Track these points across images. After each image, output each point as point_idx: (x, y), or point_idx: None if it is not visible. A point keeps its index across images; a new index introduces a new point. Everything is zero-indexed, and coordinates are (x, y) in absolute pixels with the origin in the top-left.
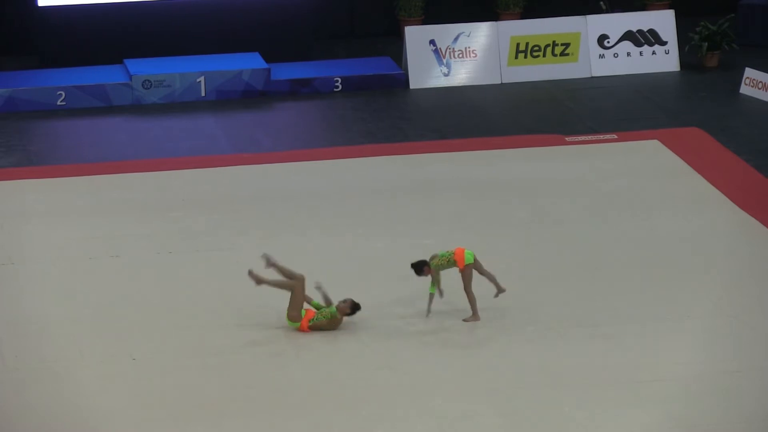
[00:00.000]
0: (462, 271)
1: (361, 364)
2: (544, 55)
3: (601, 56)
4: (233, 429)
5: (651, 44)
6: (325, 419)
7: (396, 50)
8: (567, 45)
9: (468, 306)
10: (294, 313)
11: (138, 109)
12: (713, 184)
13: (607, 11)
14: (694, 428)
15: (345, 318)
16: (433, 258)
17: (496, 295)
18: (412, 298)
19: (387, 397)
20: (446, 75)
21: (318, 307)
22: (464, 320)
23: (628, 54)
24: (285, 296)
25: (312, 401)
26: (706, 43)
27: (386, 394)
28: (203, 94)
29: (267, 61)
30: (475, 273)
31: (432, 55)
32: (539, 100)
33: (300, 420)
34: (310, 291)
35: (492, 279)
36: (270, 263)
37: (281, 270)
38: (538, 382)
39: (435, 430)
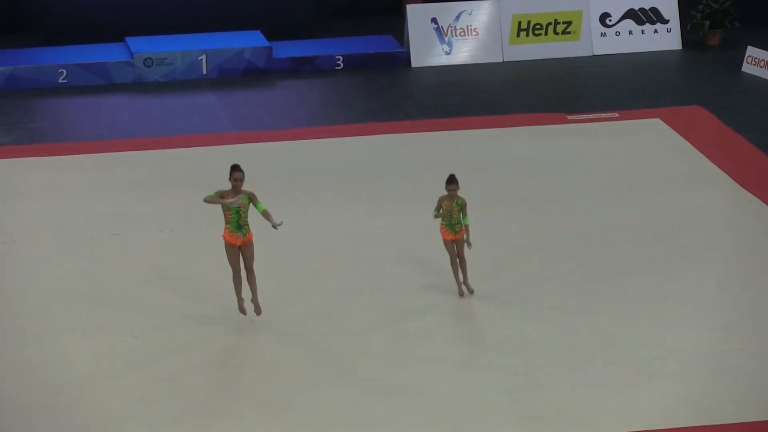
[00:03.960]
0: (460, 239)
1: (361, 342)
2: (545, 34)
3: (603, 34)
4: (238, 405)
5: (653, 22)
6: (325, 392)
7: (398, 28)
8: (569, 23)
9: (453, 281)
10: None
11: (139, 87)
12: (715, 163)
13: None
14: (698, 405)
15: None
16: (457, 198)
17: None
18: (414, 275)
19: (389, 375)
20: (448, 53)
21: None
22: (462, 295)
23: (630, 32)
24: (286, 275)
25: (312, 372)
26: (708, 21)
27: (388, 371)
28: (204, 72)
29: (268, 39)
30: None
31: (434, 34)
32: (541, 78)
33: (301, 391)
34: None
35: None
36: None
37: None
38: (540, 359)
39: (437, 408)
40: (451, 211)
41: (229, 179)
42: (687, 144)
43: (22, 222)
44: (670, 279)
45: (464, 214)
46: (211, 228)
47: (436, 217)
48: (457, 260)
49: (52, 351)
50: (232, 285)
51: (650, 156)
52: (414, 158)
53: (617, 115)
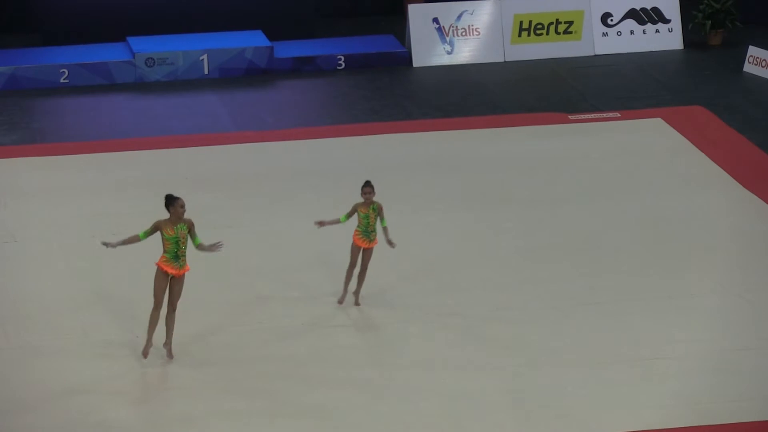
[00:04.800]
0: (370, 249)
1: (363, 340)
2: (547, 33)
3: (605, 34)
4: (237, 406)
5: (654, 22)
6: (327, 392)
7: (399, 28)
8: (570, 23)
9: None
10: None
11: (141, 86)
12: (716, 163)
13: None
14: (697, 406)
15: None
16: (373, 204)
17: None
18: (415, 275)
19: (390, 375)
20: (449, 53)
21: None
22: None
23: (632, 32)
24: (287, 275)
25: (313, 375)
26: (710, 21)
27: (389, 371)
28: (206, 71)
29: (270, 38)
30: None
31: (435, 33)
32: (542, 78)
33: (302, 391)
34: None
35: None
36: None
37: None
38: (540, 359)
39: (438, 407)
40: (368, 217)
41: (169, 209)
42: (688, 143)
43: (24, 221)
44: (670, 279)
45: (381, 218)
46: (214, 227)
47: (344, 220)
48: (353, 270)
49: (53, 351)
50: (230, 284)
51: (651, 156)
52: (415, 158)
53: (618, 115)
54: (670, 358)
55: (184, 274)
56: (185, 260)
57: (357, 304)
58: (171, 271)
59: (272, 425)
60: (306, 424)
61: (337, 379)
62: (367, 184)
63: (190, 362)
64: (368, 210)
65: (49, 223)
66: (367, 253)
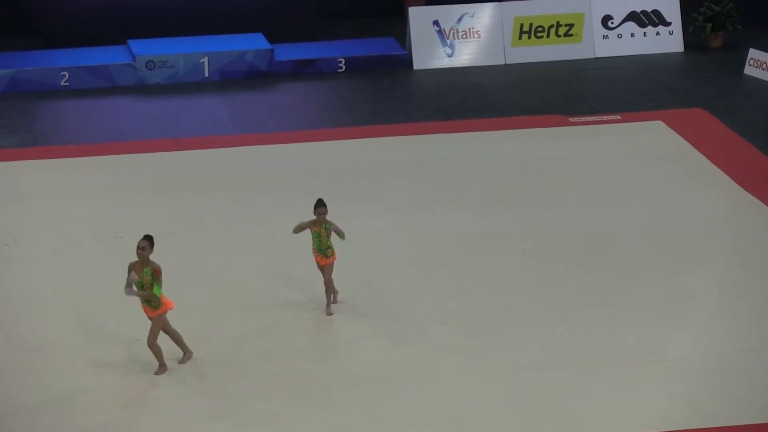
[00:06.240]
0: (329, 265)
1: (364, 343)
2: (548, 36)
3: (605, 37)
4: (237, 407)
5: (655, 25)
6: (327, 392)
7: (399, 31)
8: (571, 26)
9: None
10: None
11: (141, 89)
12: (717, 165)
13: None
14: (699, 408)
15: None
16: (325, 223)
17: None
18: (414, 277)
19: (391, 376)
20: (450, 56)
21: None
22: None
23: (632, 35)
24: (289, 276)
25: (314, 375)
26: (710, 24)
27: (390, 372)
28: (207, 74)
29: (270, 41)
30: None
31: (436, 36)
32: (543, 80)
33: (301, 392)
34: None
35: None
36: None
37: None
38: (541, 361)
39: (438, 407)
40: (320, 236)
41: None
42: (689, 146)
43: (24, 224)
44: (671, 280)
45: (340, 234)
46: (214, 230)
47: (295, 232)
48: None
49: (53, 353)
50: (230, 287)
51: (652, 158)
52: (416, 160)
53: (619, 117)
54: (671, 359)
55: (152, 317)
56: (158, 301)
57: (329, 314)
58: (147, 312)
59: (273, 426)
60: (306, 424)
61: (338, 380)
62: (320, 205)
63: (190, 364)
64: (320, 229)
65: (50, 226)
66: (327, 269)
